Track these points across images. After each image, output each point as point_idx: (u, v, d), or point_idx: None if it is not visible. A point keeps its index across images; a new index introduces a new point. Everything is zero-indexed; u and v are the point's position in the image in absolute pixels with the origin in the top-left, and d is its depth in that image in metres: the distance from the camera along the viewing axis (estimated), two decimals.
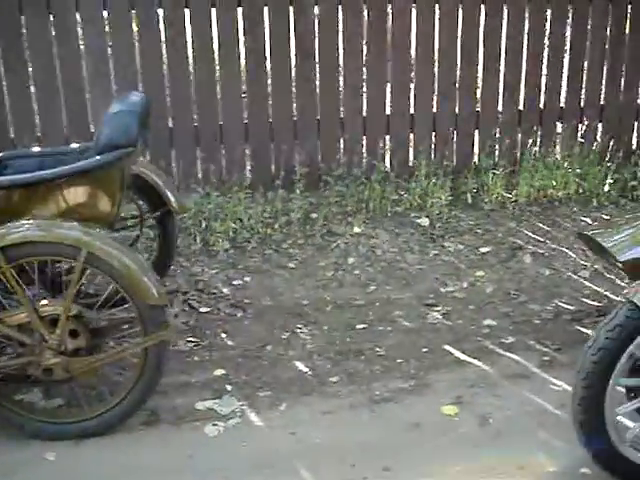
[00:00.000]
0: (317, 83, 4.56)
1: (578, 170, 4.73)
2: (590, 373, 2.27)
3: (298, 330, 3.44)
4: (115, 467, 2.57)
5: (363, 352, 3.26)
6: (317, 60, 4.51)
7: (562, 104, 4.97)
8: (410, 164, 4.79)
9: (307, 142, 4.61)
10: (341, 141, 4.69)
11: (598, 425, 2.33)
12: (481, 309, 3.61)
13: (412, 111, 4.74)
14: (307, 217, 4.38)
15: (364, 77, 4.62)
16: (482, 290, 3.79)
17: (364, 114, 4.68)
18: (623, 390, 2.42)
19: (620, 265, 2.74)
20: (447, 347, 3.29)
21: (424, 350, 3.27)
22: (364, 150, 4.73)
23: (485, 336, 3.37)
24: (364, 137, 4.72)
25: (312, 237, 4.23)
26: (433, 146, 4.82)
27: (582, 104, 4.97)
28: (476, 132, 4.87)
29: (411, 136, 4.80)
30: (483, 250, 4.16)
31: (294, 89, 4.56)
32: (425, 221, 4.42)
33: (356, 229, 4.30)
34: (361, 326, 3.47)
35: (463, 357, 3.22)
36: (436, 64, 4.70)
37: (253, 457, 2.61)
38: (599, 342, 2.26)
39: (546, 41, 4.83)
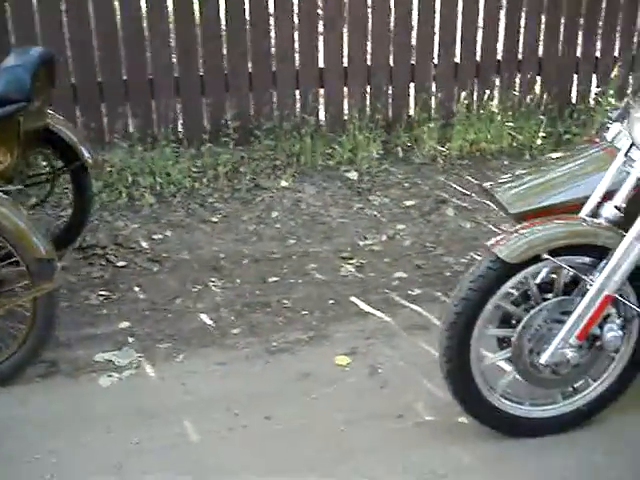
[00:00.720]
0: (248, 35, 4.51)
1: (512, 124, 4.72)
2: (453, 323, 2.31)
3: (211, 283, 3.47)
4: (5, 418, 2.62)
5: (270, 304, 3.29)
6: (248, 11, 4.46)
7: (499, 57, 4.93)
8: (345, 118, 4.77)
9: (239, 95, 4.58)
10: (274, 94, 4.65)
11: (464, 375, 2.38)
12: (396, 262, 3.64)
13: (346, 64, 4.70)
14: (236, 171, 4.38)
15: (296, 29, 4.57)
16: (400, 243, 3.82)
17: (297, 67, 4.63)
18: (493, 340, 2.47)
19: (511, 217, 2.77)
20: (353, 299, 3.33)
21: (330, 302, 3.31)
22: (297, 104, 4.70)
23: (393, 288, 3.40)
24: (297, 90, 4.68)
25: (239, 191, 4.24)
26: (368, 99, 4.78)
27: (520, 57, 4.94)
28: (411, 85, 4.84)
29: (345, 89, 4.76)
30: (407, 203, 4.18)
31: (225, 41, 4.51)
32: (354, 175, 4.43)
33: (283, 183, 4.31)
34: (273, 279, 3.50)
35: (367, 309, 3.26)
36: (369, 16, 4.65)
37: (140, 407, 2.66)
38: (462, 293, 2.29)
39: None
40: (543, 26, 4.92)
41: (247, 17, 4.49)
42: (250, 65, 4.58)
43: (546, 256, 2.25)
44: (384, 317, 3.19)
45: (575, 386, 2.53)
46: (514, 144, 4.75)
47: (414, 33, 4.78)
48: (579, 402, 2.52)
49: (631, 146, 2.39)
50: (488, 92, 4.84)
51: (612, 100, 4.93)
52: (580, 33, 5.02)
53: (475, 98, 4.86)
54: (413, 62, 4.82)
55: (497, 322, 2.43)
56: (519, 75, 4.96)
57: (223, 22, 4.49)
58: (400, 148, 4.65)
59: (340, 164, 4.53)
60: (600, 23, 4.99)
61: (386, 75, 4.77)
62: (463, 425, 2.54)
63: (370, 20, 4.66)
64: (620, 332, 2.34)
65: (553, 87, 4.97)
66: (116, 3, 4.35)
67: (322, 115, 4.79)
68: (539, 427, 2.52)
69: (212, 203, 4.16)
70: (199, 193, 4.23)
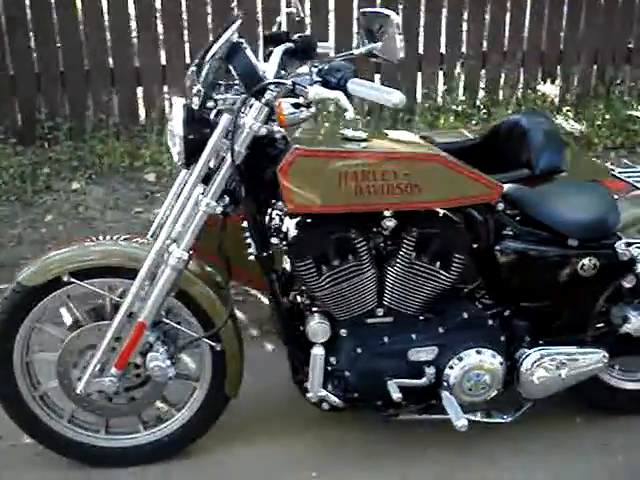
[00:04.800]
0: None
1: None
2: None
3: None
4: None
5: None
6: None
7: None
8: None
9: (50, 95, 4.52)
10: (88, 95, 4.58)
11: (16, 400, 2.27)
12: None
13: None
14: (34, 173, 4.30)
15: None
16: None
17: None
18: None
19: None
20: None
21: None
22: (116, 105, 4.62)
23: None
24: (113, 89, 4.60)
25: (26, 193, 4.17)
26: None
27: None
28: None
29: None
30: None
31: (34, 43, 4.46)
32: (152, 177, 4.31)
33: (75, 185, 4.22)
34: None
35: None
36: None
37: None
38: None
39: None
40: None
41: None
42: (62, 64, 4.50)
43: (67, 278, 2.12)
44: None
45: (160, 416, 2.39)
46: None
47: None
48: (162, 432, 2.37)
49: None
50: None
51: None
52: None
53: None
54: None
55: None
56: None
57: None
58: None
59: (147, 165, 4.41)
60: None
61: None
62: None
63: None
64: (167, 362, 2.18)
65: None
66: None
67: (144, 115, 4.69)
68: (124, 457, 2.38)
69: None
70: None
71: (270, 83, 1.93)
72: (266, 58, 2.18)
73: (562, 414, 2.62)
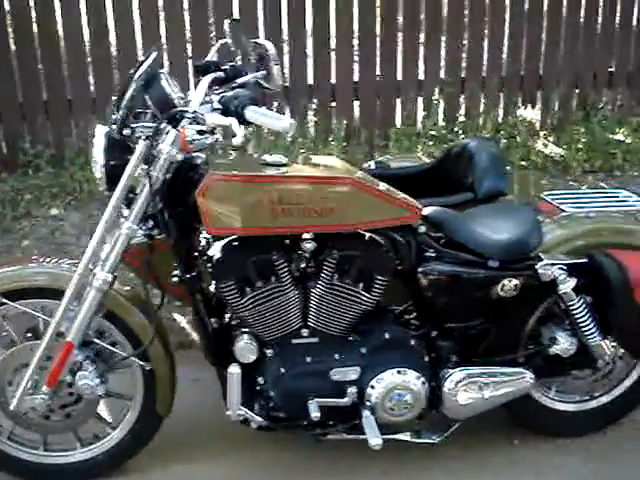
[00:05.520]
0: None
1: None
2: None
3: None
4: None
5: None
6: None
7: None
8: None
9: (34, 124, 4.65)
10: (72, 123, 4.71)
11: None
12: None
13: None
14: (15, 199, 4.41)
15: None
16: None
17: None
18: None
19: None
20: None
21: None
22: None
23: None
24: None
25: (6, 219, 4.27)
26: None
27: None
28: None
29: None
30: None
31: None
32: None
33: (54, 211, 4.33)
34: None
35: None
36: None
37: None
38: None
39: None
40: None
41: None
42: (45, 94, 4.64)
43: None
44: None
45: (96, 434, 2.45)
46: None
47: None
48: (98, 450, 2.43)
49: None
50: None
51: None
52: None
53: None
54: None
55: None
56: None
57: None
58: None
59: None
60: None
61: None
62: None
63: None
64: (95, 380, 2.25)
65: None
66: None
67: None
68: (61, 474, 2.45)
69: None
70: None
71: (177, 112, 2.01)
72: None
73: (499, 435, 2.64)
